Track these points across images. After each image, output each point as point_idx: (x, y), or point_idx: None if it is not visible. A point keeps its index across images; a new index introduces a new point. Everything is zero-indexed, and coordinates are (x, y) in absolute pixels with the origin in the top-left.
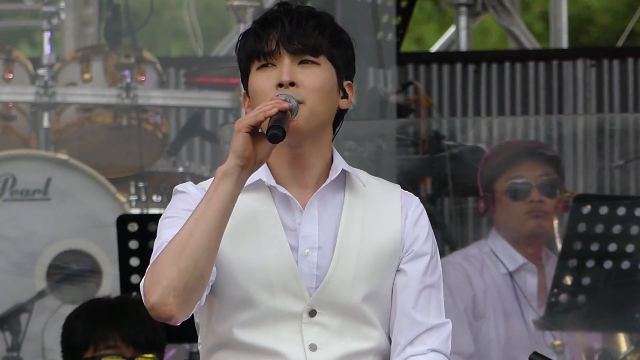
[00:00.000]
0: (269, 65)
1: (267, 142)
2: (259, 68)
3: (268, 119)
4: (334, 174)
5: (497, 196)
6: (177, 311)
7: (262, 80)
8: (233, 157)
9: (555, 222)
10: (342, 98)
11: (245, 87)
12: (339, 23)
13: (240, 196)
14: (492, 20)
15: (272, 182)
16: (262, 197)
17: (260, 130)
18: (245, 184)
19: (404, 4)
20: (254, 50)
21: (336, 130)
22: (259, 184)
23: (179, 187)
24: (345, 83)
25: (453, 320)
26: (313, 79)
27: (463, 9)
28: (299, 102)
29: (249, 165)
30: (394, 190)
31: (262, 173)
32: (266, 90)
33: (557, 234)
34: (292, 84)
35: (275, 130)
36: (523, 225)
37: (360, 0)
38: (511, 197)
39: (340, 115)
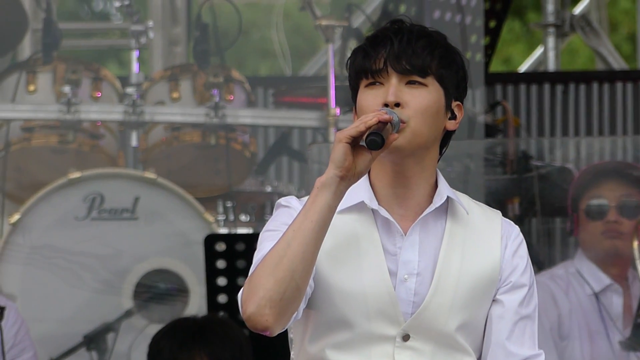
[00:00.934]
0: (377, 83)
1: (366, 154)
2: (367, 85)
3: (368, 130)
4: (438, 201)
5: (580, 216)
6: (273, 322)
7: (369, 98)
8: (332, 168)
9: (636, 244)
10: (450, 119)
11: (354, 103)
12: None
13: (342, 217)
14: (580, 41)
15: (375, 205)
16: (364, 219)
17: (361, 143)
18: (348, 205)
19: (492, 24)
20: (362, 68)
21: (442, 151)
22: (361, 206)
23: (282, 200)
24: (455, 104)
25: (539, 340)
26: (419, 100)
27: (551, 29)
28: (402, 122)
29: (348, 176)
30: (495, 218)
31: (364, 194)
32: (372, 108)
33: (637, 256)
34: (397, 105)
35: (373, 136)
36: (600, 246)
37: (449, 20)
38: (589, 217)
39: (447, 136)
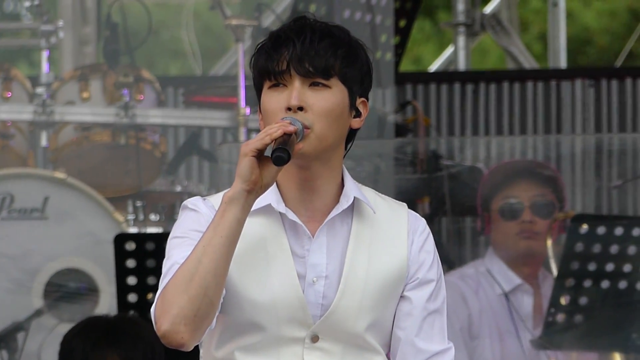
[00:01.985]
0: (280, 85)
1: (272, 165)
2: (270, 87)
3: (273, 142)
4: (345, 203)
5: (492, 215)
6: (189, 338)
7: (273, 101)
8: (239, 182)
9: (549, 243)
10: (355, 117)
11: (259, 102)
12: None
13: (249, 220)
14: (490, 40)
15: (282, 208)
16: (271, 222)
17: (266, 154)
18: (255, 208)
19: (402, 23)
20: (265, 69)
21: (347, 148)
22: (268, 209)
23: (188, 203)
24: (359, 101)
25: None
26: (322, 103)
27: (461, 28)
28: (306, 128)
29: (255, 189)
30: (401, 213)
31: (271, 196)
32: (276, 111)
33: (551, 255)
34: (300, 109)
35: (279, 152)
36: (514, 246)
37: (359, 19)
38: (503, 217)
39: (352, 134)
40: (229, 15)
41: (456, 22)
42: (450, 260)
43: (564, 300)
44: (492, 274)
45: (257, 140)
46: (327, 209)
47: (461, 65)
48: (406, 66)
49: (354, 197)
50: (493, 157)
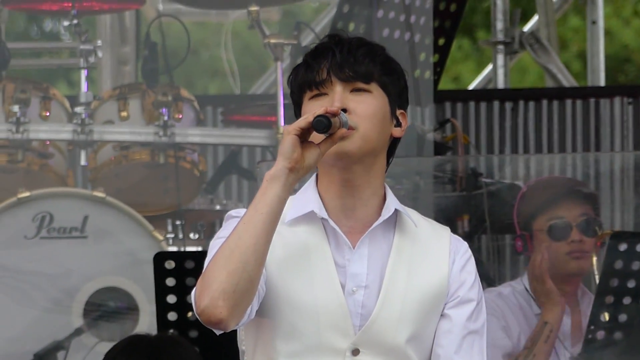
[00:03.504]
0: (322, 95)
1: (315, 148)
2: (311, 98)
3: None
4: (386, 214)
5: (535, 235)
6: (227, 314)
7: (315, 108)
8: (281, 160)
9: (594, 260)
10: (396, 126)
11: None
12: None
13: (292, 227)
14: (529, 59)
15: (324, 215)
16: (314, 230)
17: (310, 140)
18: (298, 215)
19: (441, 42)
20: (305, 80)
21: (389, 160)
22: (311, 216)
23: (232, 212)
24: (399, 112)
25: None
26: (365, 106)
27: (501, 47)
28: (351, 128)
29: (296, 168)
30: (444, 234)
31: (314, 204)
32: None
33: (595, 271)
34: (344, 110)
35: (320, 117)
36: (564, 266)
37: (398, 37)
38: (551, 237)
39: (393, 144)
40: (268, 34)
41: (495, 41)
42: (489, 277)
43: (604, 317)
44: (530, 292)
45: (301, 120)
46: (369, 220)
47: (500, 83)
48: (445, 84)
49: (396, 210)
50: (532, 174)
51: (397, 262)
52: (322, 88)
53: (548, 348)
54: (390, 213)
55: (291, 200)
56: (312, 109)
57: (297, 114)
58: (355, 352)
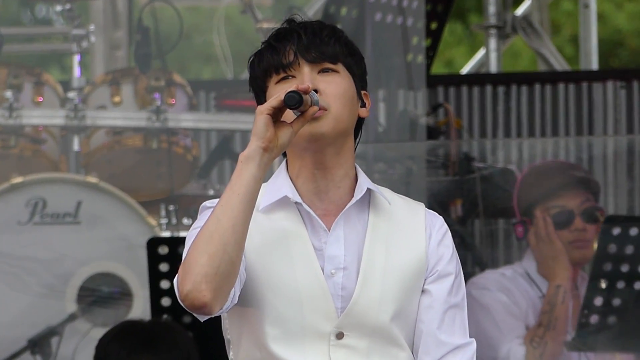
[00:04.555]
0: (289, 77)
1: (287, 127)
2: (278, 82)
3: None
4: (359, 194)
5: (537, 222)
6: (211, 298)
7: (284, 90)
8: (255, 140)
9: (595, 246)
10: (361, 107)
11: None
12: (368, 44)
13: (268, 214)
14: (522, 43)
15: (298, 199)
16: (290, 215)
17: (282, 120)
18: (272, 201)
19: (433, 26)
20: (271, 63)
21: (357, 141)
22: (285, 201)
23: (207, 202)
24: (363, 93)
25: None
26: (334, 86)
27: (493, 31)
28: (323, 109)
29: (270, 147)
30: (419, 210)
31: (286, 189)
32: None
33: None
34: (315, 91)
35: (292, 93)
36: (567, 255)
37: (390, 22)
38: (554, 226)
39: (359, 124)
40: (261, 19)
41: (487, 25)
42: (483, 262)
43: (597, 302)
44: (530, 276)
45: (272, 99)
46: (342, 202)
47: (493, 67)
48: (438, 69)
49: (369, 190)
50: (525, 158)
51: (373, 241)
52: (289, 70)
53: (565, 308)
54: (363, 192)
55: (263, 188)
56: (281, 91)
57: (260, 99)
58: (340, 335)
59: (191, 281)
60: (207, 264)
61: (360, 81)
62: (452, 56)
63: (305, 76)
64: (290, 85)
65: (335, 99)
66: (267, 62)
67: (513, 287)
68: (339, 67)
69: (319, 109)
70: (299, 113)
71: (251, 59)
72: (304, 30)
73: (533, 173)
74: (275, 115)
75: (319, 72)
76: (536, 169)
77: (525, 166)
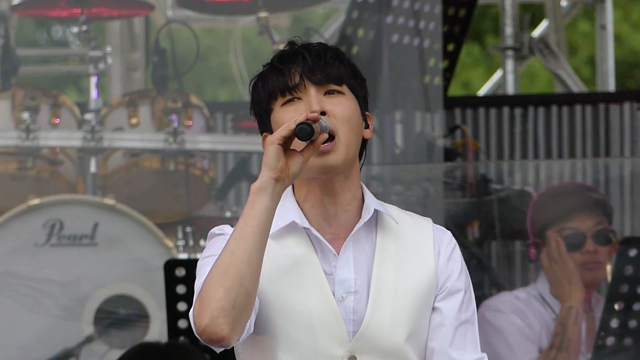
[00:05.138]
0: (295, 99)
1: (298, 156)
2: (283, 104)
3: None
4: (366, 215)
5: (549, 243)
6: (229, 331)
7: (290, 114)
8: (266, 171)
9: (608, 267)
10: (365, 128)
11: (266, 128)
12: (385, 66)
13: (277, 240)
14: (539, 64)
15: (306, 224)
16: (299, 240)
17: (292, 148)
18: (280, 227)
19: (450, 47)
20: (277, 85)
21: (362, 162)
22: (293, 226)
23: (215, 229)
24: (366, 114)
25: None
26: (341, 108)
27: (510, 52)
28: (331, 134)
29: (282, 177)
30: (426, 226)
31: (294, 214)
32: None
33: (609, 278)
34: (323, 113)
35: (303, 125)
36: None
37: (407, 43)
38: (566, 247)
39: (363, 145)
40: (277, 41)
41: (504, 46)
42: (499, 284)
43: (613, 324)
44: (544, 298)
45: (282, 129)
46: (350, 225)
47: (510, 89)
48: (455, 90)
49: (376, 211)
50: (542, 180)
51: (382, 263)
52: (295, 92)
53: (578, 330)
54: (370, 214)
55: None
56: (287, 115)
57: (264, 123)
58: (352, 359)
59: (208, 315)
60: (224, 298)
61: (363, 102)
62: (469, 78)
63: (312, 98)
64: (296, 108)
65: (342, 121)
66: (272, 85)
67: (527, 309)
68: (344, 88)
69: (328, 136)
70: (309, 141)
71: (253, 81)
72: (308, 52)
73: (545, 195)
74: (286, 144)
75: (324, 94)
76: (548, 191)
77: (541, 187)
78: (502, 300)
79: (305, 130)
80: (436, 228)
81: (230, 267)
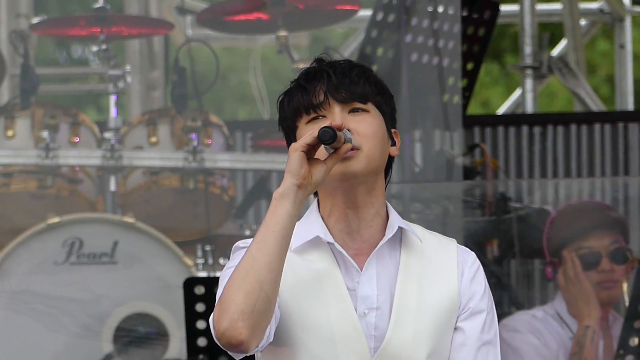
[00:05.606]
0: (320, 117)
1: (321, 164)
2: (308, 122)
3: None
4: (390, 232)
5: (565, 263)
6: (248, 335)
7: (315, 129)
8: (289, 177)
9: (625, 286)
10: (391, 146)
11: (291, 142)
12: (405, 85)
13: (300, 254)
14: (558, 83)
15: (330, 239)
16: (323, 255)
17: (316, 157)
18: (304, 241)
19: (469, 66)
20: (302, 103)
21: (387, 180)
22: (317, 241)
23: (240, 242)
24: (392, 131)
25: None
26: (366, 125)
27: (529, 71)
28: (355, 148)
29: (304, 184)
30: (450, 246)
31: (318, 229)
32: None
33: (626, 296)
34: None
35: (326, 128)
36: (595, 295)
37: (426, 62)
38: (582, 266)
39: (389, 163)
40: (297, 59)
41: (523, 65)
42: (519, 302)
43: (633, 342)
44: (562, 317)
45: (306, 136)
46: (374, 241)
47: (529, 107)
48: (474, 109)
49: (400, 229)
50: (561, 199)
51: (405, 280)
52: (320, 110)
53: (595, 348)
54: (394, 231)
55: (295, 228)
56: (312, 131)
57: (290, 139)
58: None
59: (228, 319)
60: (244, 302)
61: (390, 120)
62: (488, 96)
63: (336, 116)
64: (321, 125)
65: (367, 138)
66: (297, 102)
67: (543, 328)
68: (369, 106)
69: (352, 148)
70: (332, 150)
71: (280, 98)
72: (333, 70)
73: (562, 214)
74: (309, 153)
75: (349, 112)
76: (565, 209)
77: (559, 205)
78: (519, 320)
79: (328, 133)
80: (460, 249)
81: (251, 272)
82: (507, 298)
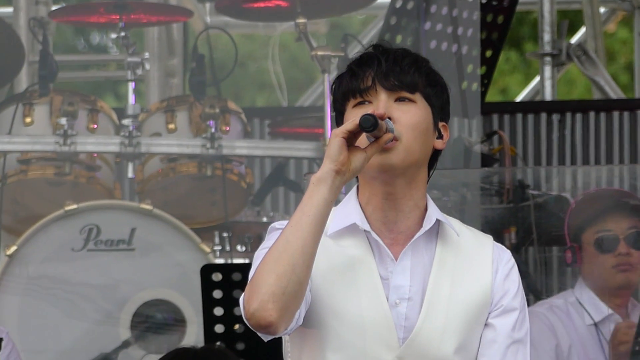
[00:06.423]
0: (366, 102)
1: (361, 152)
2: (355, 106)
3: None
4: (428, 224)
5: (584, 247)
6: (277, 317)
7: (359, 114)
8: (328, 162)
9: None
10: (437, 138)
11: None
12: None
13: (336, 239)
14: (577, 71)
15: (367, 227)
16: (358, 242)
17: (356, 145)
18: (340, 227)
19: (488, 54)
20: (350, 88)
21: (431, 172)
22: (353, 228)
23: (276, 224)
24: (441, 124)
25: None
26: (409, 116)
27: (548, 59)
28: (395, 138)
29: (343, 170)
30: (486, 243)
31: (356, 216)
32: None
33: None
34: (388, 119)
35: (367, 115)
36: (611, 279)
37: (445, 50)
38: (598, 250)
39: (435, 156)
40: (315, 47)
41: (542, 53)
42: (537, 290)
43: None
44: (582, 304)
45: (348, 123)
46: (410, 232)
47: (547, 95)
48: (493, 96)
49: (438, 221)
50: (579, 186)
51: (439, 273)
52: (366, 96)
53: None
54: (432, 224)
55: (333, 212)
56: (356, 116)
57: (340, 122)
58: None
59: (258, 300)
60: (275, 284)
61: (439, 112)
62: (507, 84)
63: (381, 103)
64: (366, 110)
65: (408, 129)
66: (346, 86)
67: (559, 322)
68: (417, 96)
69: (393, 138)
70: (373, 139)
71: (334, 81)
72: (385, 57)
73: (582, 202)
74: (350, 140)
75: (395, 100)
76: (585, 197)
77: (579, 194)
78: (532, 312)
79: (369, 121)
80: (496, 246)
81: (284, 254)
82: (525, 286)
